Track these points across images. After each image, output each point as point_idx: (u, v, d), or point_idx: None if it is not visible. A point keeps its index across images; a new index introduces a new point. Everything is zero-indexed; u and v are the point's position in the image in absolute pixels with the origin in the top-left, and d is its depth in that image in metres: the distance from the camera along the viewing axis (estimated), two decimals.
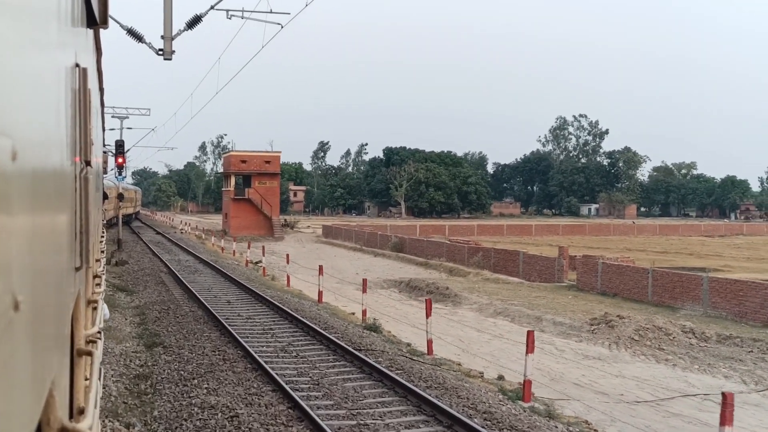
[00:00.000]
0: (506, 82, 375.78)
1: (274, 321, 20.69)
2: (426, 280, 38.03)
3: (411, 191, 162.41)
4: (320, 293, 27.31)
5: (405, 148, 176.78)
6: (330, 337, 17.66)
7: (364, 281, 23.75)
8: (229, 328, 18.48)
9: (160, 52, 17.09)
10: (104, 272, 10.08)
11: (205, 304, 22.70)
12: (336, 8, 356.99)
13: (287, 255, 35.28)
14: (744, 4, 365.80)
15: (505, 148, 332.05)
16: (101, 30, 5.63)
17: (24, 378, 1.31)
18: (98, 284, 6.17)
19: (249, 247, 43.29)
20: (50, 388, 1.74)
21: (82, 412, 3.02)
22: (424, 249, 54.35)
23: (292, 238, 76.75)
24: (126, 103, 57.17)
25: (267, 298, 24.50)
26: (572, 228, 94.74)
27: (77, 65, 2.95)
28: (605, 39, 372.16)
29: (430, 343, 18.06)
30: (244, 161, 76.72)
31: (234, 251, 47.51)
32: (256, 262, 42.98)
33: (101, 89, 9.82)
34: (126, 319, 20.98)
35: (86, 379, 3.30)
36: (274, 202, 77.34)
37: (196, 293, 25.24)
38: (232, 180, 77.07)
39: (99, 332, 4.17)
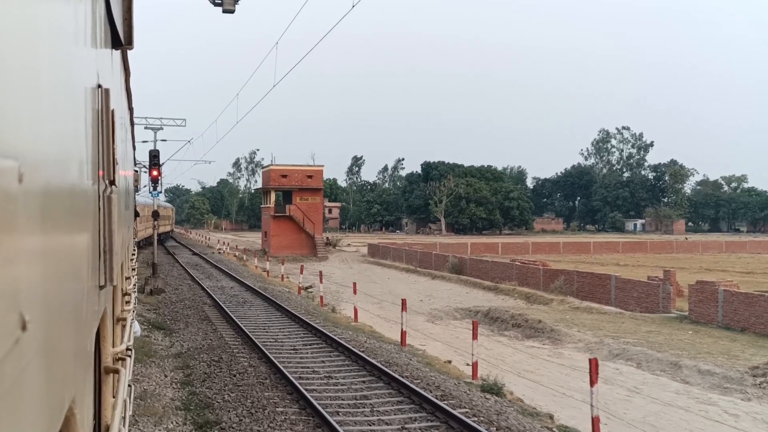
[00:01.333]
0: (543, 94, 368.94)
1: (364, 382, 15.41)
2: (507, 310, 32.61)
3: (451, 207, 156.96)
4: (403, 334, 22.02)
5: (444, 162, 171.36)
6: (456, 414, 12.36)
7: (474, 326, 18.38)
8: (310, 398, 13.26)
9: (218, 3, 12.13)
10: (135, 290, 9.59)
11: (267, 353, 17.54)
12: (364, 19, 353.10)
13: (354, 284, 30.08)
14: None
15: (544, 163, 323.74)
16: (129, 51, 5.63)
17: (36, 396, 1.33)
18: (128, 302, 6.18)
19: (302, 272, 38.15)
20: (70, 406, 1.78)
21: (108, 429, 3.11)
22: (488, 271, 48.90)
23: (336, 258, 71.67)
24: (161, 114, 52.84)
25: (341, 342, 19.31)
26: (633, 245, 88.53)
27: (99, 86, 2.94)
28: (647, 51, 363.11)
29: (596, 422, 12.62)
30: (284, 176, 71.86)
31: (282, 275, 42.40)
32: (307, 288, 37.92)
33: (130, 108, 9.73)
34: (166, 376, 15.87)
35: (113, 397, 3.42)
36: (316, 220, 72.40)
37: (250, 335, 20.13)
38: (272, 196, 72.23)
39: (128, 350, 4.39)
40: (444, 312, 35.36)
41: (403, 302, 22.43)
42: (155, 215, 33.41)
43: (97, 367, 3.07)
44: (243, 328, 21.43)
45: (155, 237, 34.42)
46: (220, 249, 67.94)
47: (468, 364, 21.78)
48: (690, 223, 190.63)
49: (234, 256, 60.68)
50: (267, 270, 45.13)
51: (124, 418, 3.33)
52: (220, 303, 27.09)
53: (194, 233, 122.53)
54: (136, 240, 46.34)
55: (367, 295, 40.45)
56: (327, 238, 75.10)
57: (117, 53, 4.68)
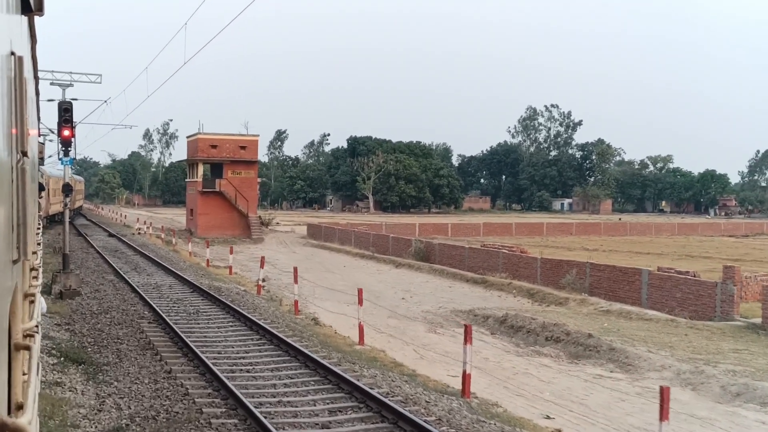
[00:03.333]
0: (469, 69, 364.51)
1: None
2: (532, 317, 25.52)
3: (380, 184, 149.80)
4: (466, 379, 14.60)
5: (371, 137, 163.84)
6: None
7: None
8: None
9: None
10: (41, 265, 9.18)
11: (267, 425, 9.91)
12: None
13: (356, 287, 22.52)
14: None
15: (469, 140, 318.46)
16: (36, 17, 5.20)
17: None
18: (35, 277, 5.92)
19: (262, 266, 29.86)
20: None
21: (20, 407, 3.04)
22: (464, 259, 41.89)
23: (273, 240, 63.46)
24: (70, 68, 43.82)
25: (391, 404, 11.75)
26: (586, 227, 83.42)
27: (13, 53, 2.85)
28: (578, 24, 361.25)
29: None
30: (214, 146, 62.96)
31: (231, 268, 34.07)
32: (261, 281, 30.01)
33: (36, 78, 9.43)
34: None
35: (24, 374, 3.31)
36: (250, 196, 63.92)
37: (235, 390, 12.30)
38: (200, 169, 63.24)
39: (37, 326, 4.17)
40: (441, 316, 28.09)
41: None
42: (67, 189, 24.82)
43: (8, 345, 2.86)
44: (214, 369, 13.58)
45: (66, 217, 25.72)
46: (139, 229, 58.74)
47: (548, 417, 14.74)
48: (615, 203, 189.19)
49: (159, 238, 51.79)
50: (208, 259, 36.78)
51: (35, 395, 3.24)
52: (164, 316, 19.01)
53: (106, 209, 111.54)
54: (43, 216, 37.80)
55: (332, 290, 32.88)
56: (260, 217, 66.71)
57: (25, 19, 4.32)
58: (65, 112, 24.34)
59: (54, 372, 13.82)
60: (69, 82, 43.26)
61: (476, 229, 75.82)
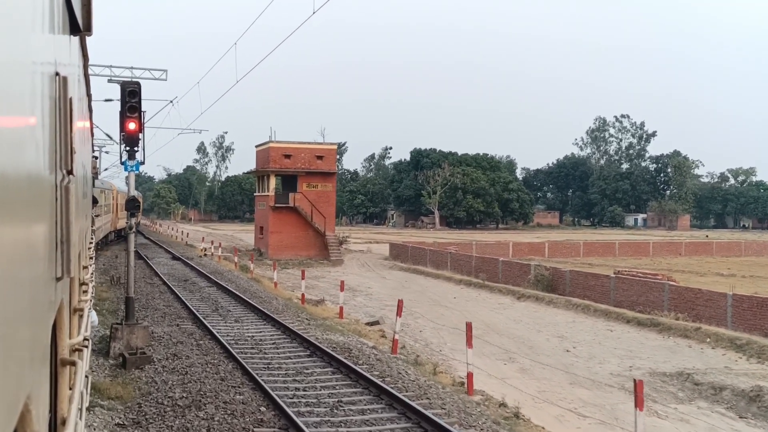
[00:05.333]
0: (531, 82, 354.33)
1: None
2: None
3: (446, 198, 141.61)
4: None
5: (435, 150, 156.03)
6: None
7: None
8: None
9: None
10: (92, 279, 8.90)
11: None
12: (351, 6, 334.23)
13: (468, 331, 14.69)
14: None
15: (533, 153, 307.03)
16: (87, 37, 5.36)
17: None
18: (85, 291, 5.90)
19: (399, 314, 21.48)
20: (26, 403, 1.71)
21: (64, 422, 3.07)
22: (608, 291, 33.78)
23: (353, 261, 55.91)
24: (132, 62, 37.21)
25: None
26: (696, 246, 74.19)
27: (57, 74, 2.88)
28: (646, 40, 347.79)
29: None
30: (288, 156, 55.65)
31: (342, 309, 26.26)
32: (373, 324, 22.36)
33: (89, 95, 9.36)
34: None
35: (70, 389, 3.33)
36: (328, 213, 56.48)
37: None
38: (272, 181, 55.96)
39: (86, 340, 4.15)
40: (660, 389, 19.96)
41: None
42: (132, 205, 17.41)
43: (53, 359, 2.95)
44: None
45: (131, 244, 18.25)
46: (205, 249, 51.67)
47: None
48: (692, 219, 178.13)
49: (230, 261, 44.54)
50: (303, 295, 29.09)
51: (80, 410, 3.17)
52: (295, 418, 11.39)
53: (163, 225, 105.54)
54: (94, 240, 33.00)
55: (458, 333, 25.07)
56: (337, 236, 59.30)
57: (75, 39, 4.51)
58: (131, 97, 17.17)
59: None
60: (130, 79, 37.00)
61: (575, 249, 67.26)
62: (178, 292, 26.45)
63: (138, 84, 17.61)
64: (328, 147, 58.35)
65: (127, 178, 18.40)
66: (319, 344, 17.46)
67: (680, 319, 27.57)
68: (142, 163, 17.94)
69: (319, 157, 56.41)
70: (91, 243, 12.49)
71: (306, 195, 55.47)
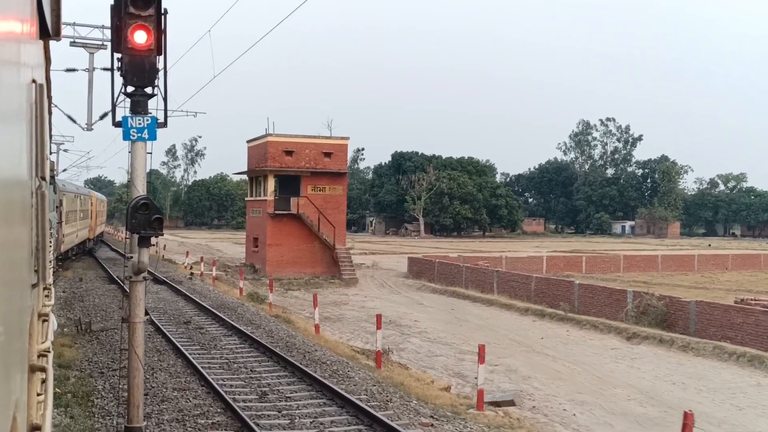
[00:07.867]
0: (512, 86, 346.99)
1: None
2: None
3: (431, 204, 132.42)
4: None
5: (417, 153, 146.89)
6: None
7: None
8: None
9: None
10: (53, 283, 8.01)
11: None
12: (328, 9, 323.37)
13: None
14: None
15: (513, 157, 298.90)
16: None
17: None
18: (47, 296, 5.28)
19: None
20: (14, 411, 1.64)
21: (38, 429, 2.93)
22: (759, 330, 24.73)
23: (369, 280, 46.28)
24: (103, 21, 27.64)
25: None
26: (743, 259, 65.88)
27: (34, 81, 2.84)
28: (627, 46, 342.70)
29: None
30: (289, 152, 45.82)
31: (451, 390, 16.75)
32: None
33: (49, 97, 8.05)
34: None
35: (38, 395, 3.19)
36: (338, 221, 46.71)
37: None
38: (270, 183, 46.04)
39: (50, 346, 4.04)
40: None
41: None
42: (144, 219, 7.72)
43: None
44: None
45: (140, 308, 8.68)
46: (191, 268, 41.56)
47: None
48: (682, 227, 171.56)
49: (229, 284, 34.56)
50: (355, 350, 19.51)
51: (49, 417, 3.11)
52: None
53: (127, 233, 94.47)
54: (60, 251, 29.79)
55: (597, 409, 15.81)
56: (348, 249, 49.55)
57: (41, 43, 4.29)
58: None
59: None
60: (99, 43, 28.23)
61: (615, 263, 58.35)
62: (187, 353, 16.57)
63: None
64: (338, 142, 48.25)
65: (131, 157, 8.58)
66: None
67: None
68: (164, 124, 8.23)
69: (327, 154, 46.61)
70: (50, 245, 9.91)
71: (312, 200, 45.68)
